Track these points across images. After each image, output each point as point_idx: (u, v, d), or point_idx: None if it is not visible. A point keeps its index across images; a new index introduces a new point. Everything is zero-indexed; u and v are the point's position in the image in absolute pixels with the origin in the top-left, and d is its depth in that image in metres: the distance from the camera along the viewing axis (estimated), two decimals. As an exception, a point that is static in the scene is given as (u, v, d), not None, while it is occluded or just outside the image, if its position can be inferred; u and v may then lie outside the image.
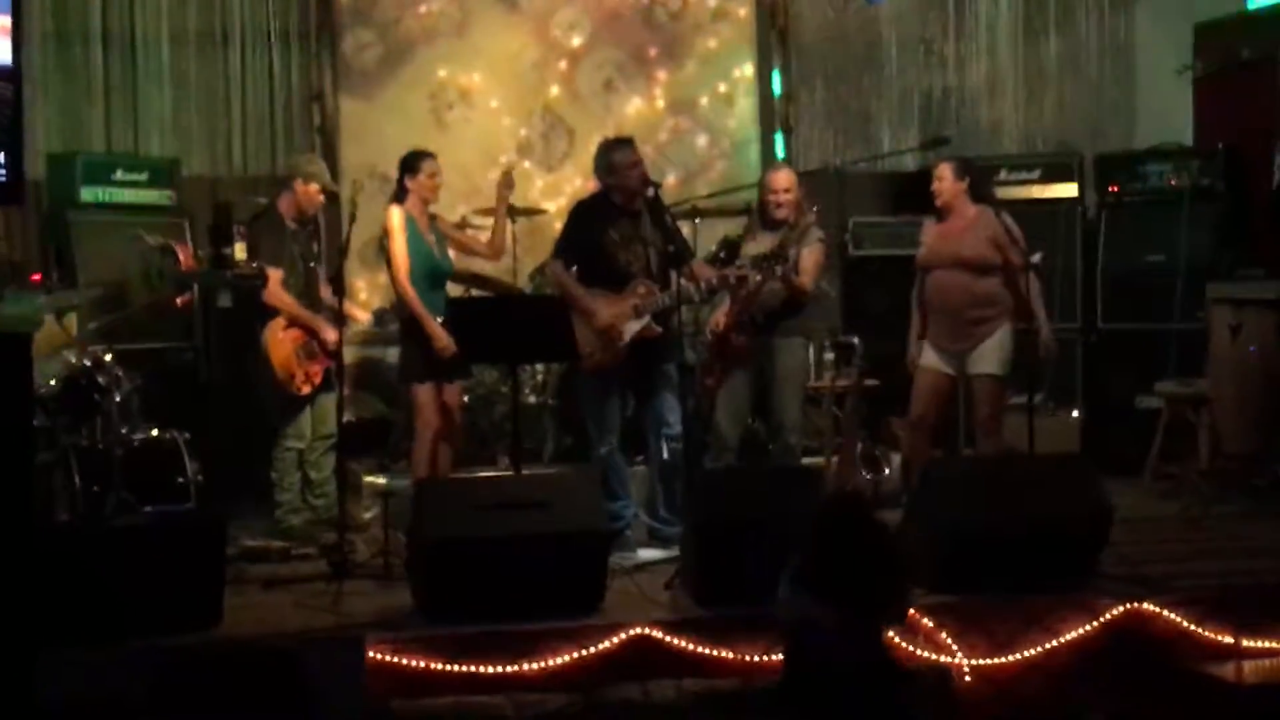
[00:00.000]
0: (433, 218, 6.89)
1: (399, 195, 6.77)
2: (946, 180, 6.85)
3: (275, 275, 6.72)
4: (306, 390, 6.79)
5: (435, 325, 6.56)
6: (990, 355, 6.76)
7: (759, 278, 6.50)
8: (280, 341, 6.74)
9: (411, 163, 6.75)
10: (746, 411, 6.99)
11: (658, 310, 6.48)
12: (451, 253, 6.99)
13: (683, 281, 6.37)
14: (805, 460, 7.20)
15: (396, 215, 6.68)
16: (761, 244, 6.73)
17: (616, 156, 6.60)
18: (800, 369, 6.99)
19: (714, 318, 6.82)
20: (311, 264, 6.96)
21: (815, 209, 6.85)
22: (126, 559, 5.17)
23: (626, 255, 6.58)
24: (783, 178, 6.92)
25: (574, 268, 6.66)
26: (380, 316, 7.35)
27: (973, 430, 7.11)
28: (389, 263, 6.71)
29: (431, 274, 6.73)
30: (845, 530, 3.42)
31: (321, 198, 6.94)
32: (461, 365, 6.79)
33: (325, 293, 6.90)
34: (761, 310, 6.70)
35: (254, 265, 6.71)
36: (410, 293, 6.59)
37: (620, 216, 6.60)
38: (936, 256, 6.86)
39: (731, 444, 6.86)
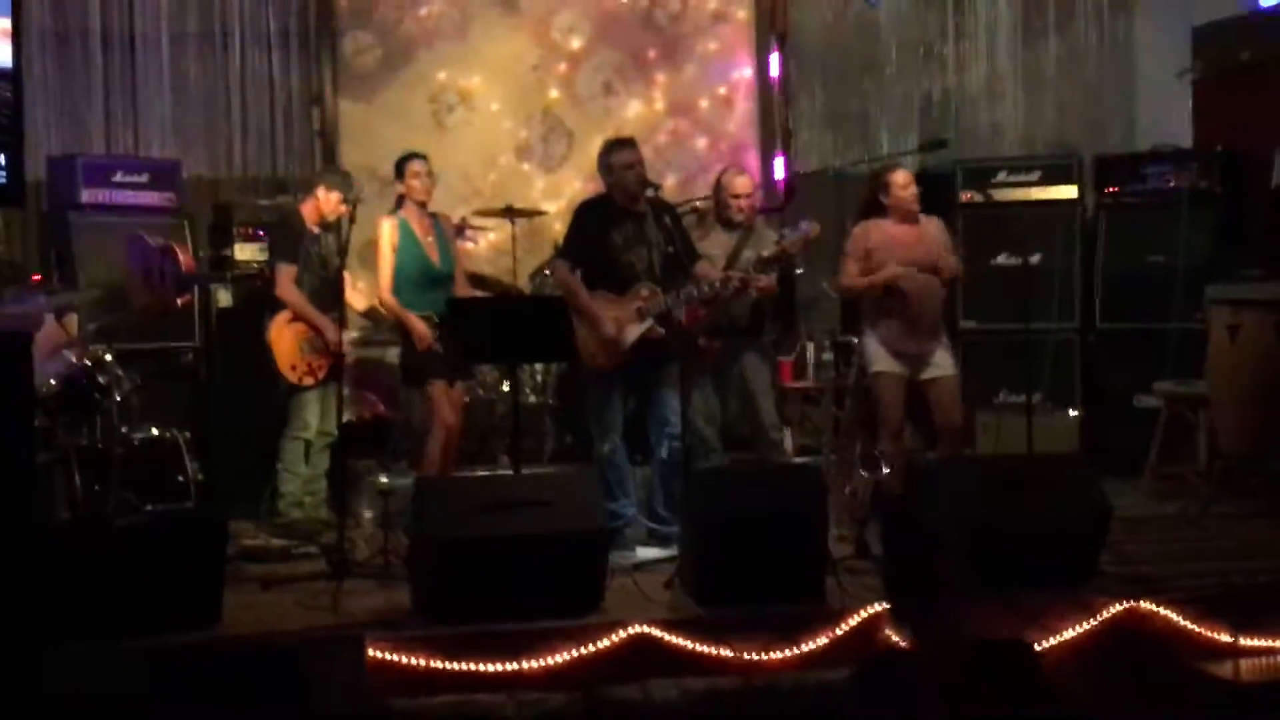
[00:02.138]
0: (434, 216, 6.97)
1: (398, 202, 6.91)
2: (913, 187, 6.88)
3: (288, 271, 6.93)
4: (309, 382, 6.93)
5: (415, 321, 6.71)
6: (947, 357, 6.86)
7: (762, 280, 6.63)
8: (284, 333, 6.90)
9: (398, 167, 6.93)
10: (719, 410, 7.05)
11: (660, 312, 6.50)
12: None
13: (686, 283, 6.42)
14: (803, 459, 7.24)
15: (385, 227, 6.81)
16: (717, 244, 6.91)
17: (615, 157, 6.63)
18: (771, 368, 7.24)
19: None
20: (335, 267, 7.01)
21: (810, 220, 6.85)
22: (127, 558, 5.16)
23: (630, 257, 6.59)
24: (743, 182, 7.09)
25: (579, 271, 6.67)
26: (371, 322, 7.39)
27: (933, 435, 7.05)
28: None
29: (425, 276, 6.82)
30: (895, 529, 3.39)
31: (344, 207, 7.04)
32: (464, 366, 6.87)
33: (351, 297, 7.03)
34: (727, 314, 6.82)
35: (255, 266, 6.80)
36: (390, 302, 6.79)
37: (623, 218, 6.61)
38: (913, 261, 6.78)
39: (715, 443, 6.94)
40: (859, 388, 7.27)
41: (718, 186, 7.12)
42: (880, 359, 6.79)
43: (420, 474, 6.66)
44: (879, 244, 6.81)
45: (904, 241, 6.82)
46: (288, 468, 6.98)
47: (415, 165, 6.88)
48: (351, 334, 7.17)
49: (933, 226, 6.95)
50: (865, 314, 6.92)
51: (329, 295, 6.97)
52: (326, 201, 7.05)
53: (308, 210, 7.10)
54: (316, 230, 7.10)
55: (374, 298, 7.43)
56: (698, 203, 7.82)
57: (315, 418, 7.00)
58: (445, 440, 6.74)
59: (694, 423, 6.78)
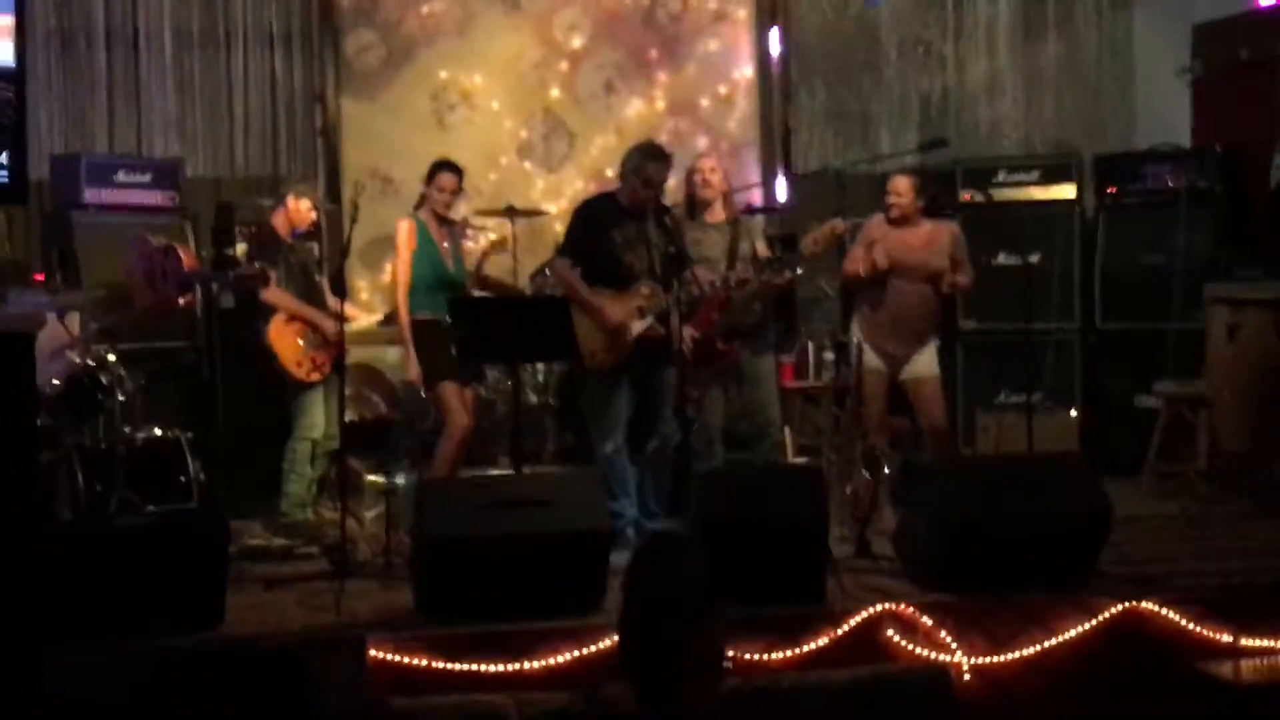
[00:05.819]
0: (451, 223, 7.07)
1: (420, 201, 6.98)
2: (906, 196, 7.00)
3: (271, 277, 6.90)
4: (316, 378, 6.95)
5: (412, 361, 6.83)
6: (929, 359, 7.02)
7: (763, 279, 6.63)
8: (284, 333, 6.93)
9: (430, 172, 6.98)
10: (724, 401, 7.08)
11: (660, 311, 6.51)
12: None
13: (685, 282, 6.42)
14: (804, 459, 7.25)
15: (403, 228, 6.89)
16: (713, 245, 6.88)
17: (651, 168, 6.53)
18: (774, 368, 7.26)
19: (685, 331, 6.51)
20: (313, 274, 7.10)
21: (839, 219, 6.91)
22: (129, 558, 5.19)
23: (631, 257, 6.59)
24: (709, 161, 7.12)
25: (578, 268, 6.67)
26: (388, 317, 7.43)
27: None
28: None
29: (437, 279, 6.87)
30: (660, 584, 3.00)
31: (313, 214, 7.16)
32: (476, 368, 6.97)
33: (330, 300, 7.01)
34: (748, 315, 6.84)
35: (255, 265, 6.81)
36: (403, 310, 6.84)
37: (625, 218, 6.61)
38: (904, 266, 6.94)
39: (719, 436, 6.98)
40: (858, 386, 7.30)
41: (689, 180, 7.09)
42: (863, 353, 6.97)
43: (429, 475, 6.68)
44: (879, 239, 6.98)
45: (903, 242, 6.96)
46: (294, 469, 6.98)
47: (444, 180, 6.90)
48: (357, 324, 7.19)
49: (944, 235, 7.03)
50: (855, 310, 7.11)
51: (316, 299, 7.06)
52: (296, 211, 7.10)
53: (279, 221, 7.13)
54: (290, 240, 7.12)
55: (372, 314, 7.49)
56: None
57: (322, 417, 7.00)
58: (460, 443, 6.76)
59: (709, 423, 6.84)
